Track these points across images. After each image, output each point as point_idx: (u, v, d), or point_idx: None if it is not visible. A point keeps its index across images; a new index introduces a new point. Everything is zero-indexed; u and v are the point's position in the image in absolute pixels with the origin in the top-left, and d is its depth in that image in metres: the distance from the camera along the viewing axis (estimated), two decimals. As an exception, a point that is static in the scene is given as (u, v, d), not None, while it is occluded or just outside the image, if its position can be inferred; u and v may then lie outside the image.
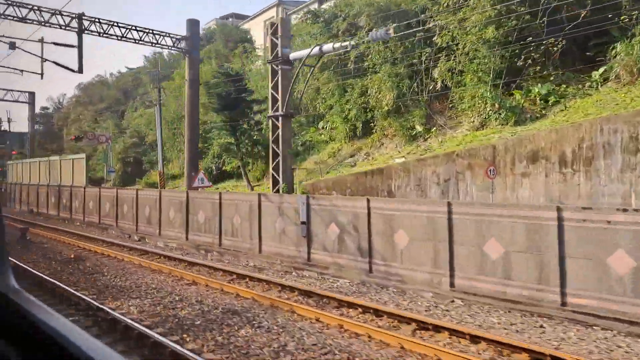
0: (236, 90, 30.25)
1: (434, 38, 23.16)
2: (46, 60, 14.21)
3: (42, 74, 14.83)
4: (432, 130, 23.37)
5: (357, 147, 29.26)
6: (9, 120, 74.50)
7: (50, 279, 10.51)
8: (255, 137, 32.22)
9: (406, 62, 24.82)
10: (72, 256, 13.64)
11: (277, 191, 13.54)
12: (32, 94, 35.52)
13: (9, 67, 16.21)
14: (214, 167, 37.74)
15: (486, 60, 21.14)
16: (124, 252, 14.82)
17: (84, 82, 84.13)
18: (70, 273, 11.70)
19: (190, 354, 5.89)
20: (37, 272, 11.32)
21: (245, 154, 32.53)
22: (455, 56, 22.44)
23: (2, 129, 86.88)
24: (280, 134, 13.09)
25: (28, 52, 14.27)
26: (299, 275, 11.39)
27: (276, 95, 13.32)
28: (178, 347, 6.18)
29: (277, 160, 13.62)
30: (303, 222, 11.91)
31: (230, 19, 68.65)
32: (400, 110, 25.13)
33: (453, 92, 23.11)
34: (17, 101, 34.01)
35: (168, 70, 65.06)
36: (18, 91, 34.45)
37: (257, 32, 60.36)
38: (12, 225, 21.99)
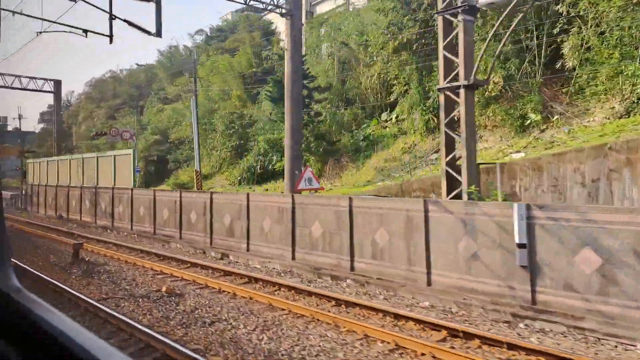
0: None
1: (558, 6, 19.17)
2: (115, 17, 10.46)
3: (110, 36, 11.06)
4: (554, 119, 19.35)
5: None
6: (19, 117, 70.87)
7: (162, 337, 6.62)
8: (318, 131, 28.25)
9: (512, 37, 20.80)
10: (164, 290, 9.73)
11: (457, 197, 9.59)
12: (57, 82, 31.65)
13: (71, 27, 12.32)
14: (257, 166, 33.94)
15: (633, 31, 17.14)
16: (223, 281, 10.87)
17: (94, 78, 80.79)
18: (181, 323, 7.77)
19: None
20: (130, 321, 7.44)
21: (306, 150, 28.61)
22: (586, 27, 18.42)
23: (14, 127, 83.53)
24: (462, 113, 9.13)
25: (94, 5, 10.43)
26: (530, 328, 7.44)
27: (452, 57, 9.36)
28: None
29: (452, 152, 9.67)
30: (521, 245, 7.96)
31: (246, 12, 65.26)
32: (507, 96, 21.12)
33: (579, 72, 19.09)
34: (41, 90, 30.19)
35: (184, 66, 61.44)
36: (42, 79, 30.59)
37: (279, 22, 57.29)
38: (58, 239, 17.99)
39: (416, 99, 25.29)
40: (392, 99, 28.01)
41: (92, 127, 64.03)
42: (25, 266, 12.40)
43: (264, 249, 13.49)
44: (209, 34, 68.03)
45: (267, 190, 30.15)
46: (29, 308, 1.01)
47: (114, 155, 21.85)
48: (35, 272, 11.75)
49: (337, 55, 31.35)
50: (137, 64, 75.79)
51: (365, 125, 30.54)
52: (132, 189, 20.15)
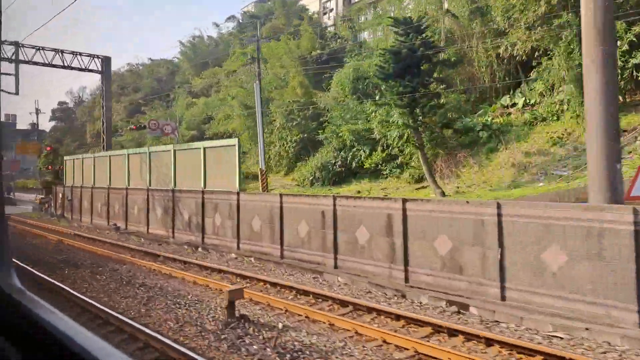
0: (411, 50, 20.53)
1: None
2: None
3: None
4: None
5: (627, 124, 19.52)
6: (37, 112, 65.51)
7: None
8: (449, 117, 22.43)
9: None
10: None
11: None
12: (106, 60, 25.91)
13: None
14: (335, 163, 28.36)
15: None
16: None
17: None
18: None
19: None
20: None
21: (431, 141, 22.97)
22: None
23: (30, 122, 78.44)
24: None
25: None
26: None
27: None
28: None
29: None
30: None
31: (270, 1, 60.94)
32: None
33: None
34: (86, 69, 24.63)
35: (209, 57, 56.31)
36: (88, 55, 24.83)
37: (313, 8, 51.55)
38: (151, 266, 11.82)
39: (572, 76, 19.56)
40: (531, 75, 22.31)
41: (113, 123, 58.71)
42: (156, 334, 6.89)
43: (547, 301, 7.88)
44: (241, 21, 62.86)
45: (359, 192, 24.51)
46: (29, 308, 1.01)
47: (204, 148, 16.28)
48: (183, 349, 6.24)
49: (443, 27, 25.65)
50: (150, 59, 71.18)
51: (481, 112, 24.88)
52: (238, 193, 14.58)
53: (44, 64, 22.92)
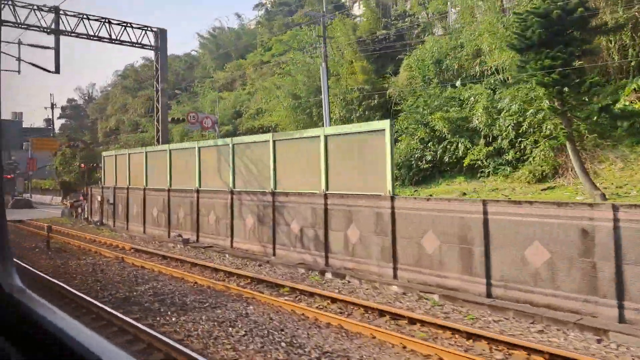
0: (566, 11, 16.11)
1: None
2: None
3: None
4: None
5: None
6: (52, 107, 61.32)
7: None
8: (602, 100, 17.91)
9: None
10: None
11: None
12: (162, 32, 21.26)
13: None
14: (422, 158, 23.79)
15: None
16: None
17: (119, 70, 72.02)
18: None
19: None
20: None
21: (593, 130, 18.44)
22: None
23: (45, 117, 74.37)
24: None
25: None
26: None
27: None
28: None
29: None
30: None
31: None
32: None
33: None
34: (138, 44, 20.07)
35: (230, 48, 52.85)
36: (140, 27, 20.30)
37: None
38: (344, 324, 7.19)
39: None
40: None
41: (130, 121, 54.80)
42: None
43: None
44: (269, 8, 59.07)
45: (464, 194, 19.99)
46: (30, 307, 1.00)
47: (325, 135, 11.88)
48: None
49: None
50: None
51: (606, 95, 20.27)
52: (392, 198, 10.17)
53: (87, 36, 18.51)
